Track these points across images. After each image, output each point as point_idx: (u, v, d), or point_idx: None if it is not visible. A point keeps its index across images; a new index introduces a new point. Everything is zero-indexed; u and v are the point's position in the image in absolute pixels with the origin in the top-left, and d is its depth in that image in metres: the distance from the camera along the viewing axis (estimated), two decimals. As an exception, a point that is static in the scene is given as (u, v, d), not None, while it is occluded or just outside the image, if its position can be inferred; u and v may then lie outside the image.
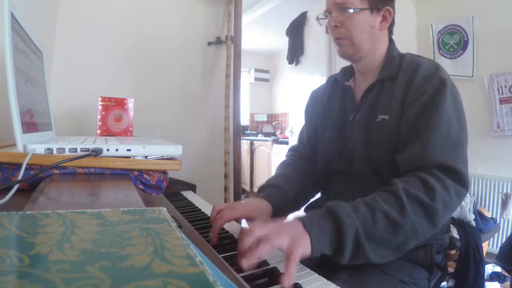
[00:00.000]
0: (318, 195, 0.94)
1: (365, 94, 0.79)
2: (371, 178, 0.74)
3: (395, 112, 0.71)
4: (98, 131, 1.19)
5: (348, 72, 0.89)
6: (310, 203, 0.92)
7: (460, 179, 0.61)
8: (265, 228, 0.52)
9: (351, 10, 0.74)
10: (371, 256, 0.55)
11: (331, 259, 0.56)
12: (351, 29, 0.75)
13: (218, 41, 1.80)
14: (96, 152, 0.53)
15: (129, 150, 0.57)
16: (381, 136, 0.72)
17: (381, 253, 0.57)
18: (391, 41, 0.81)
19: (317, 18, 0.84)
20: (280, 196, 0.78)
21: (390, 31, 0.81)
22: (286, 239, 0.50)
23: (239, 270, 0.51)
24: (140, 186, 0.58)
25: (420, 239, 0.59)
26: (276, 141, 3.70)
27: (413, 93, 0.68)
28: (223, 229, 0.72)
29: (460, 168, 0.61)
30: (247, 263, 0.48)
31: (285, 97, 4.77)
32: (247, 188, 4.23)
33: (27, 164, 0.46)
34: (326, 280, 0.51)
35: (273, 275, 0.50)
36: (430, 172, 0.61)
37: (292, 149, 1.00)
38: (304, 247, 0.51)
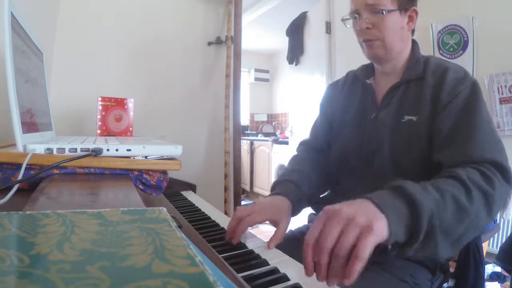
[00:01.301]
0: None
1: (388, 94, 0.78)
2: (389, 178, 0.72)
3: (424, 114, 0.70)
4: (98, 131, 1.19)
5: (369, 70, 0.87)
6: (318, 200, 0.91)
7: (507, 177, 0.60)
8: (330, 232, 0.43)
9: (384, 12, 0.72)
10: (439, 246, 0.50)
11: (393, 252, 0.49)
12: (384, 30, 0.73)
13: (218, 41, 1.80)
14: (96, 152, 0.53)
15: (129, 150, 0.57)
16: (408, 137, 0.71)
17: (444, 244, 0.51)
18: (414, 42, 0.81)
19: (343, 19, 0.81)
20: (297, 192, 0.77)
21: (412, 32, 0.80)
22: (355, 232, 0.42)
23: (239, 270, 0.51)
24: (140, 186, 0.58)
25: (476, 232, 0.56)
26: (276, 141, 3.70)
27: (446, 95, 0.68)
28: (223, 229, 0.72)
29: (507, 165, 0.61)
30: (360, 264, 0.40)
31: (285, 97, 4.77)
32: (247, 188, 4.23)
33: (27, 164, 0.46)
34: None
35: (273, 275, 0.50)
36: (484, 166, 0.59)
37: (304, 143, 0.98)
38: (379, 234, 0.43)
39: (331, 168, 0.89)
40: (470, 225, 0.53)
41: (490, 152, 0.62)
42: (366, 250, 0.41)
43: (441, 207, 0.50)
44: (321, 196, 0.92)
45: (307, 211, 0.93)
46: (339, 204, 0.47)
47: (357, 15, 0.76)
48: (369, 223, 0.43)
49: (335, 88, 0.95)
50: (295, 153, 0.97)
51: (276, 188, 0.77)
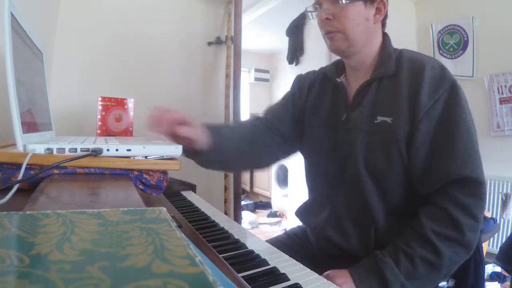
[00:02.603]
0: (306, 197, 0.90)
1: (359, 93, 0.74)
2: (368, 186, 0.70)
3: (401, 115, 0.66)
4: (98, 131, 1.19)
5: (339, 67, 0.82)
6: (301, 207, 0.89)
7: (481, 192, 0.63)
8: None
9: (344, 1, 0.68)
10: None
11: None
12: (344, 21, 0.69)
13: (218, 41, 1.80)
14: (96, 152, 0.53)
15: (129, 150, 0.57)
16: (383, 140, 0.67)
17: (425, 285, 0.64)
18: (385, 35, 0.76)
19: (306, 11, 0.77)
20: (216, 135, 0.75)
21: (383, 25, 0.75)
22: None
23: (239, 270, 0.51)
24: (140, 186, 0.58)
25: (460, 263, 0.65)
26: (276, 141, 3.69)
27: (426, 98, 0.64)
28: (223, 229, 0.72)
29: (482, 178, 0.64)
30: None
31: (285, 97, 4.76)
32: (247, 188, 4.23)
33: (27, 164, 0.46)
34: (326, 280, 0.51)
35: (273, 275, 0.50)
36: (452, 196, 0.63)
37: (258, 118, 0.89)
38: None
39: (306, 169, 0.87)
40: (449, 266, 0.63)
41: (467, 169, 0.63)
42: None
43: (411, 272, 0.61)
44: (303, 203, 0.89)
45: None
46: (333, 273, 0.62)
47: (317, 6, 0.73)
48: None
49: (304, 82, 0.89)
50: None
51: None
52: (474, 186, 0.63)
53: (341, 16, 0.69)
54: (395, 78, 0.69)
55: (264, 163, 0.92)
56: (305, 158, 0.88)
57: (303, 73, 0.95)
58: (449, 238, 0.61)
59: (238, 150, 0.81)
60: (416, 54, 0.72)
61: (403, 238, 0.64)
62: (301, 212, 0.88)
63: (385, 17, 0.74)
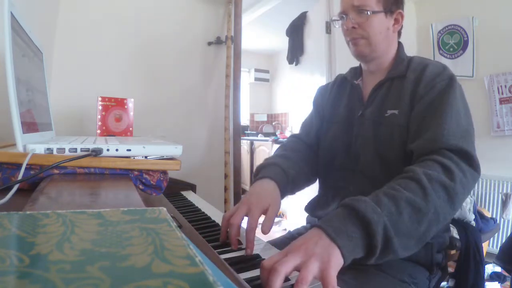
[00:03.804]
0: (316, 193, 0.93)
1: (373, 91, 0.82)
2: (378, 174, 0.75)
3: (404, 107, 0.73)
4: (98, 131, 1.19)
5: (357, 72, 0.91)
6: (311, 201, 0.92)
7: (472, 163, 0.61)
8: (288, 260, 0.44)
9: (369, 13, 0.76)
10: (398, 251, 0.52)
11: (359, 261, 0.51)
12: (369, 30, 0.77)
13: (218, 41, 1.80)
14: (96, 152, 0.53)
15: (129, 150, 0.57)
16: (391, 131, 0.74)
17: (406, 245, 0.53)
18: (400, 44, 0.85)
19: (331, 20, 0.86)
20: (283, 176, 0.75)
21: (399, 34, 0.84)
22: (316, 264, 0.44)
23: (239, 270, 0.51)
24: (140, 186, 0.58)
25: (441, 225, 0.57)
26: (276, 141, 3.70)
27: (422, 87, 0.71)
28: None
29: (473, 152, 0.62)
30: None
31: (285, 97, 4.77)
32: (247, 188, 4.23)
33: (27, 164, 0.46)
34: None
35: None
36: (445, 155, 0.61)
37: (294, 136, 0.98)
38: (337, 264, 0.46)
39: (319, 164, 0.91)
40: (431, 222, 0.54)
41: (453, 139, 0.62)
42: (332, 280, 0.43)
43: (395, 217, 0.51)
44: (313, 198, 0.92)
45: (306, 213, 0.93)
46: (297, 240, 0.49)
47: (344, 16, 0.80)
48: (326, 258, 0.45)
49: (324, 89, 0.99)
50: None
51: (261, 172, 0.75)
52: (466, 156, 0.61)
53: (365, 25, 0.77)
54: (403, 78, 0.77)
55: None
56: (319, 153, 0.92)
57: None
58: (440, 182, 0.56)
59: (305, 179, 0.88)
60: (424, 59, 0.79)
61: (385, 186, 0.57)
62: (311, 206, 0.91)
63: (401, 27, 0.83)
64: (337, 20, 0.83)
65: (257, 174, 0.77)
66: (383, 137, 0.75)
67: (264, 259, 0.55)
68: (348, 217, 0.51)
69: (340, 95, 0.92)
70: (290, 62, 3.01)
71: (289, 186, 0.77)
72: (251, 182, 0.77)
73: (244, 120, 4.83)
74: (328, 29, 2.47)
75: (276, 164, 0.78)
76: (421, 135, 0.67)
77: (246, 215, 0.62)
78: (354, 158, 0.81)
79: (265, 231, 0.61)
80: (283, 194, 0.75)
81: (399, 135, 0.73)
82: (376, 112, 0.79)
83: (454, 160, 0.60)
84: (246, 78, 5.01)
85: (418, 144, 0.67)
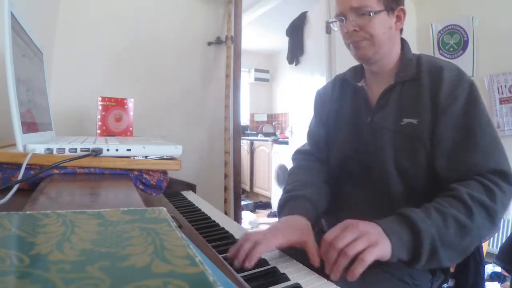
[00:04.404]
0: None
1: (383, 96, 0.77)
2: (393, 185, 0.72)
3: (425, 116, 0.69)
4: (98, 131, 1.19)
5: (358, 72, 0.85)
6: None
7: (510, 181, 0.63)
8: (346, 236, 0.53)
9: (371, 13, 0.71)
10: (443, 261, 0.56)
11: (405, 264, 0.57)
12: (371, 32, 0.72)
13: (218, 41, 1.80)
14: (96, 152, 0.53)
15: (129, 150, 0.57)
16: (410, 142, 0.70)
17: (450, 256, 0.58)
18: (404, 41, 0.80)
19: (329, 22, 0.81)
20: (313, 210, 0.72)
21: (401, 31, 0.79)
22: (365, 242, 0.52)
23: (239, 270, 0.51)
24: (140, 186, 0.58)
25: (481, 240, 0.62)
26: (276, 141, 3.70)
27: (444, 98, 0.67)
28: (223, 229, 0.72)
29: (509, 170, 0.64)
30: (362, 266, 0.50)
31: (285, 97, 4.77)
32: (247, 188, 4.23)
33: (27, 164, 0.46)
34: (326, 280, 0.51)
35: (273, 275, 0.50)
36: (485, 176, 0.62)
37: (303, 153, 0.93)
38: (385, 250, 0.53)
39: (331, 174, 0.87)
40: (474, 238, 0.59)
41: (493, 161, 0.63)
42: (370, 256, 0.51)
43: (442, 230, 0.56)
44: None
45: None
46: (357, 220, 0.56)
47: (343, 18, 0.74)
48: (377, 240, 0.53)
49: (324, 94, 0.93)
50: (293, 163, 0.91)
51: (289, 206, 0.71)
52: (505, 175, 0.63)
53: (367, 27, 0.72)
54: (416, 81, 0.73)
55: None
56: (329, 161, 0.88)
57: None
58: (482, 204, 0.59)
59: (328, 202, 0.82)
60: (433, 58, 0.76)
61: (433, 201, 0.61)
62: (324, 213, 0.87)
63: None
64: (335, 21, 0.78)
65: (284, 206, 0.72)
66: (401, 147, 0.72)
67: (264, 259, 0.55)
68: (400, 222, 0.57)
69: (342, 99, 0.87)
70: (290, 62, 3.01)
71: (318, 220, 0.77)
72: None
73: (244, 120, 4.83)
74: (328, 29, 2.46)
75: (305, 198, 0.73)
76: (455, 156, 0.66)
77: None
78: (364, 166, 0.77)
79: (316, 262, 0.56)
80: (314, 228, 0.69)
81: (421, 147, 0.69)
82: (389, 119, 0.74)
83: (494, 181, 0.61)
84: (246, 78, 5.01)
85: (453, 165, 0.66)
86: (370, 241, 0.52)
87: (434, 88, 0.70)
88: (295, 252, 0.60)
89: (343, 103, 0.86)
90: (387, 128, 0.74)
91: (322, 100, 0.93)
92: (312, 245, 0.58)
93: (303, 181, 0.79)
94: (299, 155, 0.94)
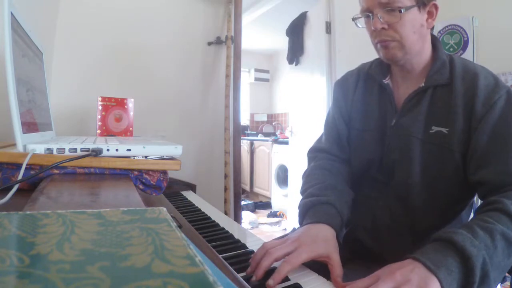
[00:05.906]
0: None
1: (411, 99, 0.71)
2: (418, 192, 0.69)
3: (457, 126, 0.65)
4: (98, 131, 1.19)
5: (384, 67, 0.78)
6: None
7: None
8: (380, 286, 0.44)
9: (402, 10, 0.64)
10: (492, 285, 0.50)
11: None
12: (401, 30, 0.66)
13: (218, 41, 1.80)
14: (96, 152, 0.53)
15: (129, 150, 0.57)
16: (440, 151, 0.66)
17: (497, 277, 0.51)
18: (436, 39, 0.73)
19: (354, 19, 0.74)
20: (338, 218, 0.65)
21: (432, 29, 0.72)
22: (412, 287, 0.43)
23: (239, 270, 0.51)
24: (140, 186, 0.58)
25: None
26: (276, 141, 3.70)
27: (480, 105, 0.63)
28: (223, 229, 0.72)
29: None
30: None
31: (285, 97, 4.77)
32: (247, 188, 4.23)
33: (27, 164, 0.46)
34: (326, 280, 0.51)
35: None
36: None
37: (325, 151, 0.84)
38: None
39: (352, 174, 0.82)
40: None
41: None
42: None
43: (491, 251, 0.50)
44: None
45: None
46: (390, 266, 0.48)
47: (370, 14, 0.68)
48: (423, 285, 0.44)
49: (346, 87, 0.85)
50: (312, 162, 0.83)
51: (313, 211, 0.65)
52: None
53: (397, 25, 0.66)
54: (449, 87, 0.67)
55: None
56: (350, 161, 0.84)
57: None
58: None
59: (349, 210, 0.74)
60: (467, 62, 0.72)
61: (475, 218, 0.55)
62: None
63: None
64: (360, 18, 0.71)
65: (306, 212, 0.66)
66: (430, 157, 0.67)
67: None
68: (445, 250, 0.49)
69: (368, 96, 0.80)
70: (290, 62, 3.01)
71: (342, 228, 0.71)
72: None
73: (244, 120, 4.83)
74: (328, 29, 2.46)
75: (330, 204, 0.66)
76: (492, 164, 0.62)
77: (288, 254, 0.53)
78: (387, 171, 0.73)
79: (339, 283, 0.51)
80: (339, 237, 0.65)
81: (451, 158, 0.65)
82: (417, 125, 0.69)
83: None
84: (246, 78, 5.01)
85: (490, 174, 0.61)
86: None
87: (468, 96, 0.65)
88: None
89: (369, 100, 0.79)
90: (415, 136, 0.69)
91: (344, 92, 0.84)
92: (336, 264, 0.53)
93: (326, 185, 0.72)
94: (318, 153, 0.85)
